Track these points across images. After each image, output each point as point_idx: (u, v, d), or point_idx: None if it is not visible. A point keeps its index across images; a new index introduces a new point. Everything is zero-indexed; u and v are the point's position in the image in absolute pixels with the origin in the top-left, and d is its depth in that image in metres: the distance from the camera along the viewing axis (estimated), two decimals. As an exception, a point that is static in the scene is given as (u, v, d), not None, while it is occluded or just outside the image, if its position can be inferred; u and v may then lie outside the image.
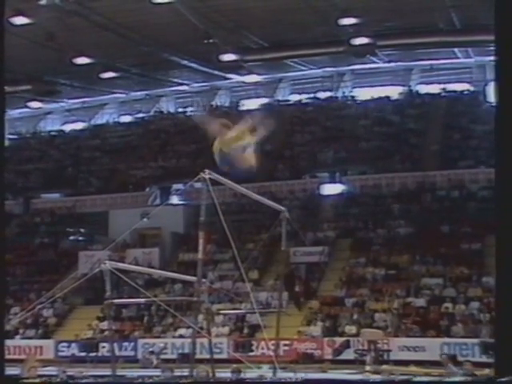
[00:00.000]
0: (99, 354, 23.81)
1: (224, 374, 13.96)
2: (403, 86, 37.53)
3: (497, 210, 6.53)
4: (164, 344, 24.04)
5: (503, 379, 6.17)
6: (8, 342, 23.05)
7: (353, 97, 38.03)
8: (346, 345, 22.64)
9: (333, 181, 31.88)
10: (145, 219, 21.67)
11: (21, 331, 27.18)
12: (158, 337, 25.26)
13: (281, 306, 13.15)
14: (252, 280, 25.13)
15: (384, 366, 17.97)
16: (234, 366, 15.03)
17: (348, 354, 22.32)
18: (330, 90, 38.67)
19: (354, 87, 38.65)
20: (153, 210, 24.70)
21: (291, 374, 16.03)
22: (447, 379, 8.29)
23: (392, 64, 36.21)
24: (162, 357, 22.90)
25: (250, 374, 15.41)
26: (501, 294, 6.34)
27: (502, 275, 6.33)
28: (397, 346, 21.98)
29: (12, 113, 41.45)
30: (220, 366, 14.35)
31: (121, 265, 10.03)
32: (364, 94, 37.82)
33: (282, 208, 11.44)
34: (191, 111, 40.79)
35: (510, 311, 6.18)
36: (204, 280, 8.98)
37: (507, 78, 6.52)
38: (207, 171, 8.40)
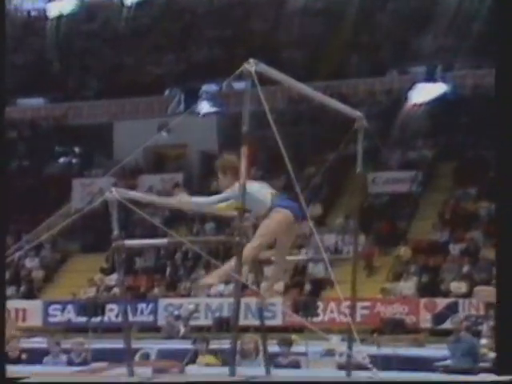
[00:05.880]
0: (105, 319, 24.19)
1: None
2: None
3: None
4: (194, 305, 24.31)
5: (504, 379, 7.23)
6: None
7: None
8: (453, 308, 22.63)
9: (432, 78, 31.35)
10: (163, 133, 21.68)
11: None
12: (187, 295, 25.63)
13: (357, 252, 12.83)
14: (314, 217, 25.11)
15: None
16: (285, 335, 15.03)
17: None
18: None
19: None
20: (175, 120, 24.71)
21: (373, 348, 16.05)
22: (447, 379, 9.36)
23: None
24: (193, 323, 23.20)
25: (313, 347, 15.43)
26: (501, 293, 7.70)
27: (502, 273, 7.79)
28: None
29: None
30: (273, 336, 14.32)
31: (133, 194, 9.46)
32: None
33: (358, 113, 10.92)
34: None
35: (510, 310, 7.41)
36: (247, 215, 8.34)
37: None
38: (252, 61, 8.07)
